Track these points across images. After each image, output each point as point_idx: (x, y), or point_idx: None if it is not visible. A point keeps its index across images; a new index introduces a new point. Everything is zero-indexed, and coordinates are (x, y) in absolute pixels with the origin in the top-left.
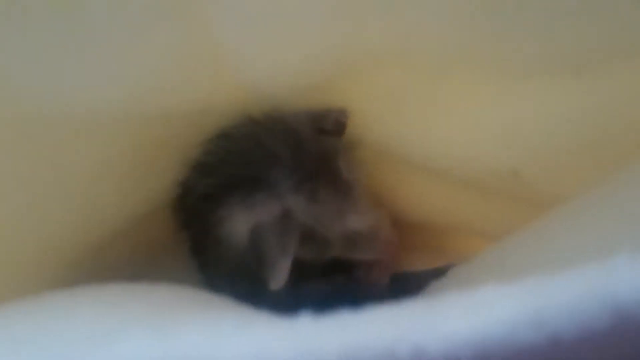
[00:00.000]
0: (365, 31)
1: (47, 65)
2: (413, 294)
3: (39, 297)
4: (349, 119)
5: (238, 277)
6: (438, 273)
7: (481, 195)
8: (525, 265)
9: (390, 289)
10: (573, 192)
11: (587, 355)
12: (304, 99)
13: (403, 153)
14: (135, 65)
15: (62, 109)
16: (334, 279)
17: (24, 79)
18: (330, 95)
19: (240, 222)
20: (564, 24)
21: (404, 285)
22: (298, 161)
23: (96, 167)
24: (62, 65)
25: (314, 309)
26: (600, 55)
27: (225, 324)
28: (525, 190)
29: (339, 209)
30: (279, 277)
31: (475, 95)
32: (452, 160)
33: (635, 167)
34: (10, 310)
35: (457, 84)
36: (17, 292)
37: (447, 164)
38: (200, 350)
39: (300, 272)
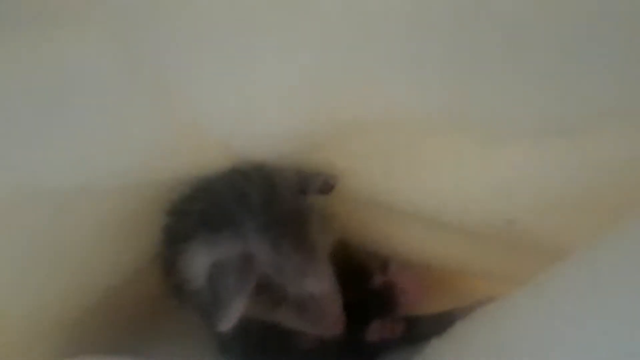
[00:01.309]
0: (346, 100)
1: (37, 146)
2: (423, 339)
3: None
4: (338, 182)
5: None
6: (446, 318)
7: (479, 241)
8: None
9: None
10: (567, 237)
11: None
12: (291, 160)
13: (397, 206)
14: (119, 141)
15: (54, 183)
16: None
17: (20, 160)
18: (317, 155)
19: (200, 259)
20: (549, 91)
21: (415, 329)
22: (268, 209)
23: (90, 231)
24: (53, 146)
25: None
26: (588, 118)
27: None
28: (522, 237)
29: (300, 267)
30: (229, 317)
31: (463, 154)
32: (445, 213)
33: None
34: None
35: (444, 144)
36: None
37: (441, 217)
38: None
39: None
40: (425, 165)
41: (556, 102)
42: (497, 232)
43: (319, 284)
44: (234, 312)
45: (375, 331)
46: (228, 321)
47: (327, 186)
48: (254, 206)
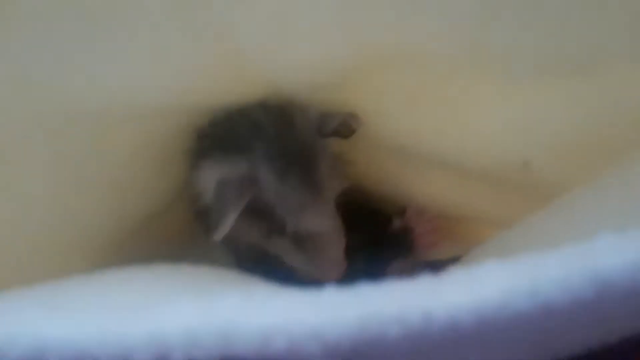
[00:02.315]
0: (374, 34)
1: (88, 67)
2: None
3: (91, 274)
4: (360, 122)
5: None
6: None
7: (494, 187)
8: (524, 248)
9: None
10: (579, 183)
11: (573, 319)
12: (319, 97)
13: (417, 149)
14: (161, 64)
15: (103, 103)
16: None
17: (68, 79)
18: (344, 94)
19: (209, 176)
20: (567, 27)
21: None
22: (280, 140)
23: (130, 155)
24: (101, 66)
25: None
26: (605, 56)
27: (258, 295)
28: (536, 181)
29: (302, 201)
30: (221, 228)
31: (484, 93)
32: (464, 154)
33: (623, 164)
34: (68, 282)
35: (466, 83)
36: (60, 272)
37: (460, 158)
38: (237, 315)
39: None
40: (446, 105)
41: (572, 39)
42: (512, 175)
43: (319, 223)
44: (226, 224)
45: (395, 270)
46: (220, 232)
47: (348, 127)
48: (267, 135)
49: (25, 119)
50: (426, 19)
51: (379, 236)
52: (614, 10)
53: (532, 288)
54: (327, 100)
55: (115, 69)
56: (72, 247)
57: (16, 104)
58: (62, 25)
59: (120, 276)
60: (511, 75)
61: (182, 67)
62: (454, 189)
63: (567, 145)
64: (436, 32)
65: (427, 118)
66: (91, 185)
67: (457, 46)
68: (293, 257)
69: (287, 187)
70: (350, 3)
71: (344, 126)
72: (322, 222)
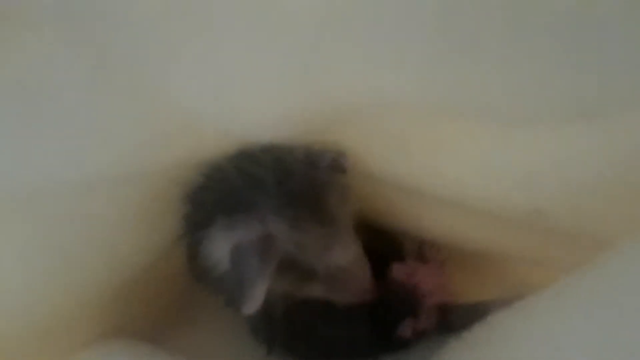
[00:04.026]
0: (340, 83)
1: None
2: (456, 329)
3: None
4: (349, 161)
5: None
6: (480, 309)
7: (509, 227)
8: None
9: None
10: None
11: None
12: (298, 141)
13: (418, 190)
14: (104, 135)
15: (58, 179)
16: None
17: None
18: (331, 138)
19: (220, 245)
20: (565, 71)
21: (448, 319)
22: (283, 187)
23: (110, 219)
24: (40, 146)
25: None
26: (606, 103)
27: None
28: (553, 226)
29: (323, 240)
30: (253, 299)
31: (480, 137)
32: (468, 200)
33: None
34: None
35: (458, 127)
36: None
37: (466, 203)
38: None
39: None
40: (443, 149)
41: (572, 83)
42: (527, 219)
43: (345, 255)
44: (258, 294)
45: (407, 328)
46: (252, 303)
47: (338, 164)
48: (268, 187)
49: None
50: (394, 62)
51: (384, 293)
52: (618, 47)
53: None
54: (307, 142)
55: (55, 145)
56: (62, 315)
57: None
58: None
59: None
60: (507, 120)
61: (125, 134)
62: (469, 225)
63: (579, 192)
64: (411, 81)
65: (424, 163)
66: (74, 251)
67: (436, 94)
68: (327, 293)
69: (302, 232)
70: (306, 50)
71: (334, 164)
72: (348, 252)
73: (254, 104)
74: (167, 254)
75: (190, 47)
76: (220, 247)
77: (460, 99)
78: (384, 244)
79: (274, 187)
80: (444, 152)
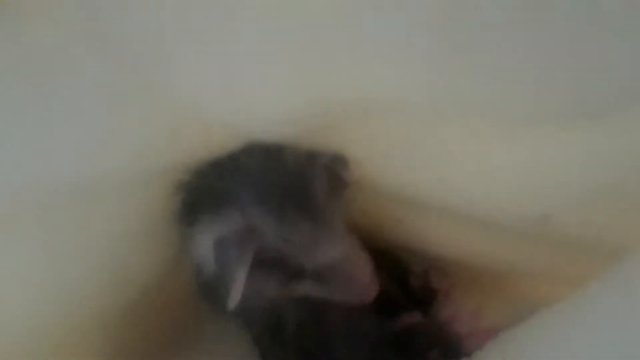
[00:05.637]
0: (341, 82)
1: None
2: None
3: None
4: (349, 169)
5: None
6: None
7: (519, 239)
8: None
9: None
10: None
11: None
12: (301, 143)
13: (422, 201)
14: (113, 131)
15: (67, 178)
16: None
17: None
18: (330, 140)
19: (204, 240)
20: (564, 75)
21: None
22: (269, 179)
23: (116, 228)
24: (52, 142)
25: None
26: (611, 103)
27: None
28: (563, 234)
29: (311, 234)
30: (234, 292)
31: (484, 140)
32: (474, 209)
33: None
34: None
35: (460, 131)
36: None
37: (471, 209)
38: None
39: None
40: (445, 156)
41: (576, 82)
42: (534, 228)
43: (335, 250)
44: (238, 286)
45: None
46: (233, 297)
47: (338, 165)
48: (254, 178)
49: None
50: (393, 61)
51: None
52: (621, 44)
53: None
54: (315, 143)
55: (67, 142)
56: (65, 331)
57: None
58: None
59: None
60: (510, 121)
61: (135, 130)
62: (474, 240)
63: (586, 195)
64: (414, 81)
65: (427, 167)
66: (80, 262)
67: (439, 95)
68: (320, 292)
69: (288, 225)
70: (307, 49)
71: (334, 166)
72: (338, 248)
73: (260, 102)
74: (175, 268)
75: (198, 45)
76: (205, 244)
77: (463, 98)
78: (388, 270)
79: (257, 177)
80: (447, 154)
